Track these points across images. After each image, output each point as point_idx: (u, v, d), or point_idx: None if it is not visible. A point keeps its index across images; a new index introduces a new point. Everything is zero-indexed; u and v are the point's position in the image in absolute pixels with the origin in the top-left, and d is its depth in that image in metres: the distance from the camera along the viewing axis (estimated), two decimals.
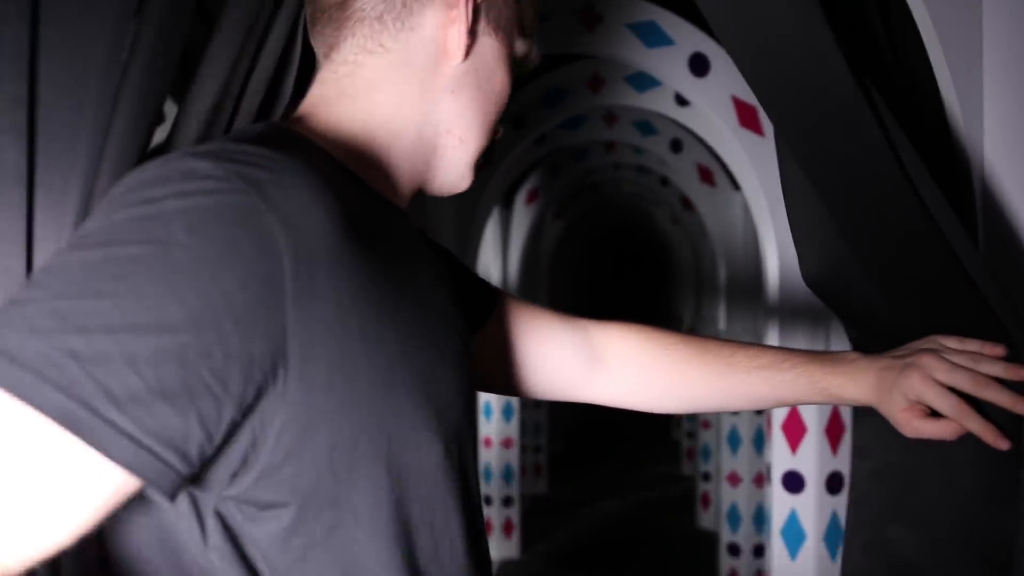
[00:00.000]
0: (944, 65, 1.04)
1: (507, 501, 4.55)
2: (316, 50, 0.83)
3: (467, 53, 0.80)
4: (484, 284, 1.04)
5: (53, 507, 0.54)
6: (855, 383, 0.94)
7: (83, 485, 0.54)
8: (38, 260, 0.71)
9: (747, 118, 2.34)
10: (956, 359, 0.89)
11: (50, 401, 0.53)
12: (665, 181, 4.80)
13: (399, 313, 0.69)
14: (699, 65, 2.38)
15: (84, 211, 0.72)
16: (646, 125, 3.82)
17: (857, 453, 1.20)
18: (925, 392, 0.87)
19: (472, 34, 0.80)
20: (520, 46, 0.86)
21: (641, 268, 9.95)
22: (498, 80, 0.84)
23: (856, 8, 1.09)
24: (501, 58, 0.83)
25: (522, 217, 4.85)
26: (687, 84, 2.39)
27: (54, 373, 0.53)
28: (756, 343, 1.06)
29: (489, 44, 0.82)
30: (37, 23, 0.71)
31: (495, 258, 4.77)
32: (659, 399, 1.07)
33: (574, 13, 2.42)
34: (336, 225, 0.63)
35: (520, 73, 0.90)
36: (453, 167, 0.84)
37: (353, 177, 0.75)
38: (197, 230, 0.56)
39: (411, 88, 0.80)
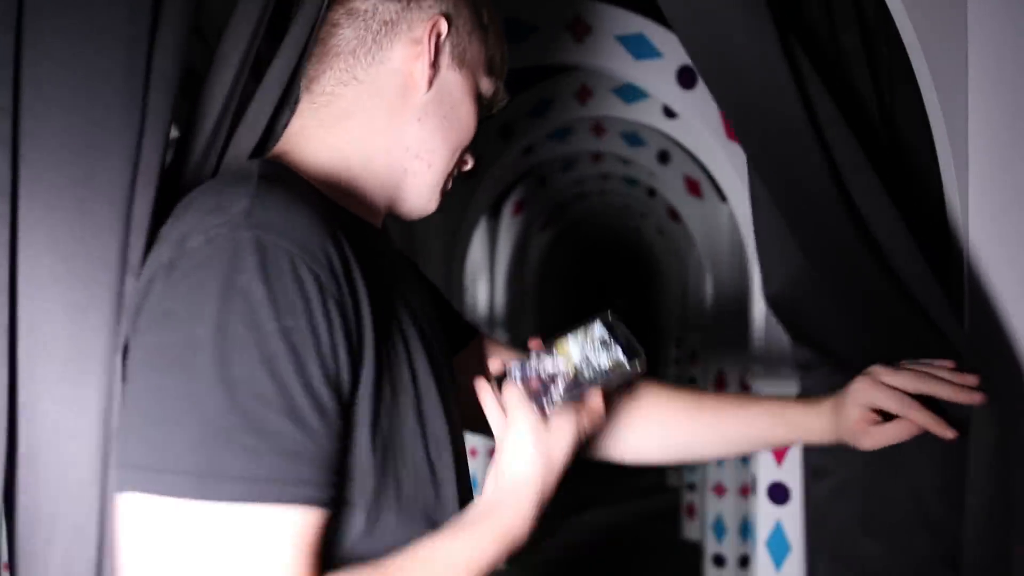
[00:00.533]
0: (932, 90, 1.05)
1: None
2: (303, 81, 0.89)
3: (430, 84, 0.87)
4: (461, 318, 1.10)
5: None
6: (817, 414, 0.99)
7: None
8: (21, 271, 0.70)
9: (734, 130, 2.35)
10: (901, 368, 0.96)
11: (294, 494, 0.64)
12: (652, 192, 4.81)
13: (393, 332, 0.77)
14: (687, 77, 2.39)
15: (74, 224, 0.71)
16: (634, 136, 3.83)
17: (812, 473, 1.22)
18: (874, 395, 0.93)
19: (435, 67, 0.87)
20: (486, 84, 0.93)
21: (628, 279, 9.98)
22: (463, 111, 0.91)
23: (835, 43, 1.11)
24: (466, 92, 0.91)
25: (509, 228, 4.85)
26: (675, 96, 2.40)
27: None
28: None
29: (453, 78, 0.90)
30: (21, 32, 0.71)
31: (482, 268, 4.77)
32: (625, 449, 1.08)
33: (563, 25, 2.43)
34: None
35: (485, 113, 0.97)
36: (422, 189, 0.91)
37: (336, 206, 0.82)
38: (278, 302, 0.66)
39: (380, 115, 0.87)
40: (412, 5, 0.87)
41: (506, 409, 0.83)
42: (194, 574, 0.62)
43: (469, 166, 0.96)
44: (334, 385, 0.67)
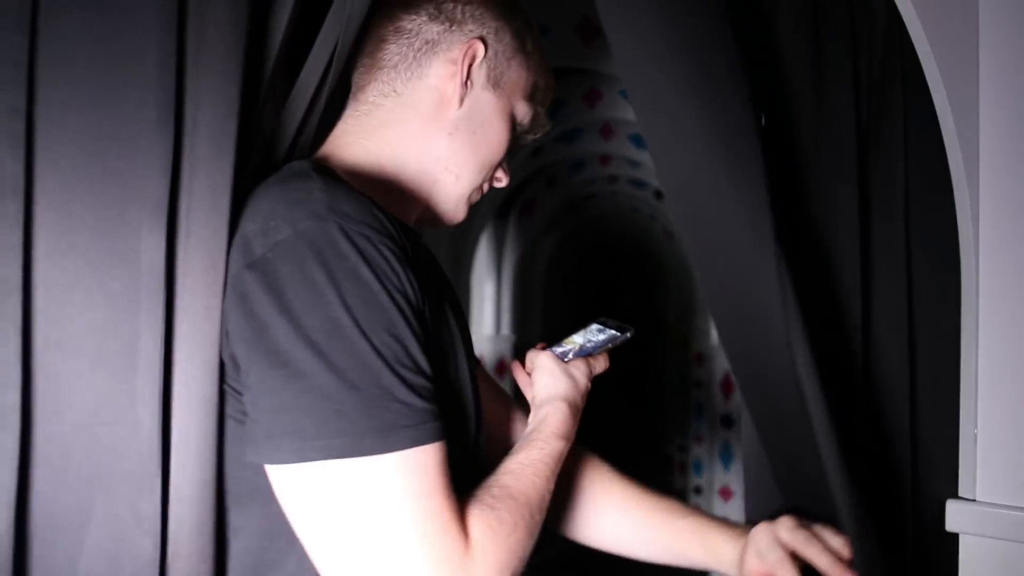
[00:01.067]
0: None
1: None
2: (352, 89, 0.97)
3: (461, 102, 0.94)
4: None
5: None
6: (732, 546, 1.05)
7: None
8: (37, 270, 0.70)
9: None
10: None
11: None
12: (660, 194, 4.80)
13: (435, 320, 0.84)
14: None
15: (89, 221, 0.71)
16: (642, 139, 3.83)
17: None
18: (765, 545, 1.00)
19: (468, 86, 0.94)
20: (522, 108, 1.00)
21: (635, 280, 9.95)
22: (493, 129, 0.97)
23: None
24: (498, 112, 0.97)
25: (517, 229, 4.85)
26: None
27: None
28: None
29: (486, 98, 0.96)
30: (36, 33, 0.71)
31: (489, 271, 4.77)
32: (558, 521, 1.15)
33: (572, 28, 2.43)
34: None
35: (524, 137, 1.03)
36: (449, 199, 0.98)
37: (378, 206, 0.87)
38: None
39: (414, 127, 0.94)
40: (454, 28, 0.94)
41: (531, 362, 1.07)
42: (390, 518, 0.70)
43: (503, 183, 1.04)
44: (425, 336, 0.78)
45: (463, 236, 3.18)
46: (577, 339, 1.10)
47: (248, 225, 0.76)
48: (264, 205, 0.77)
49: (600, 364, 1.10)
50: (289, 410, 0.70)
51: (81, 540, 0.71)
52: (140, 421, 0.71)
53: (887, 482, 1.11)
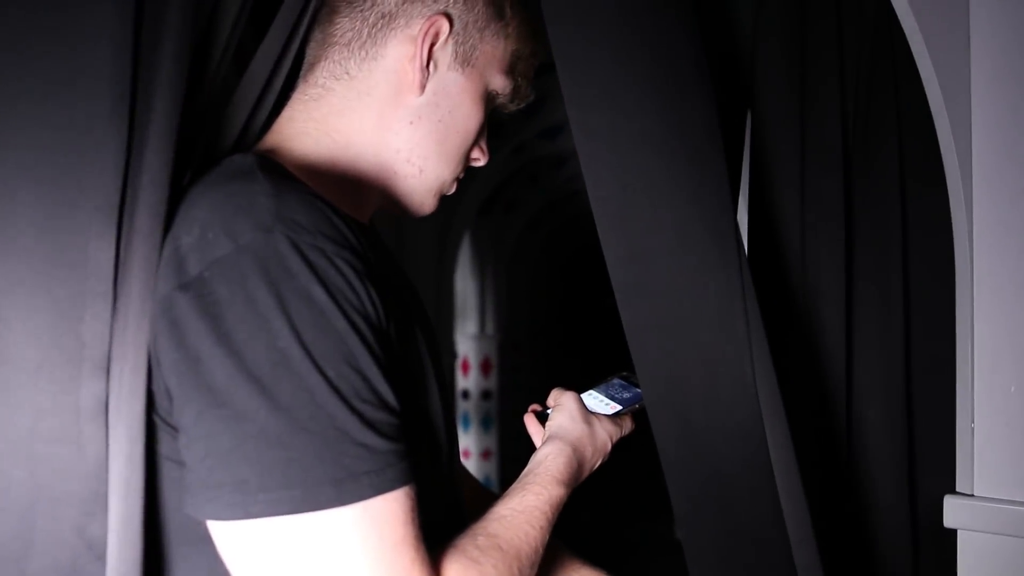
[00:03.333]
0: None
1: None
2: (303, 65, 0.84)
3: (422, 88, 0.81)
4: None
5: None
6: None
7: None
8: None
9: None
10: None
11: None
12: None
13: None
14: None
15: (37, 220, 0.65)
16: None
17: None
18: None
19: (430, 69, 0.81)
20: (499, 82, 0.86)
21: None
22: (463, 114, 0.84)
23: None
24: (468, 93, 0.84)
25: (500, 227, 4.82)
26: None
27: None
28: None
29: (454, 79, 0.83)
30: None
31: (473, 270, 4.74)
32: None
33: None
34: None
35: (502, 110, 0.90)
36: (411, 193, 0.86)
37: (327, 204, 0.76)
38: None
39: (370, 115, 0.82)
40: (414, 3, 0.80)
41: (555, 398, 0.98)
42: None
43: (480, 163, 0.91)
44: (389, 361, 0.67)
45: (446, 235, 3.14)
46: (600, 394, 1.01)
47: (183, 237, 0.65)
48: (202, 213, 0.65)
49: (627, 426, 0.98)
50: (229, 458, 0.60)
51: (23, 571, 0.64)
52: (85, 438, 0.64)
53: (884, 478, 1.08)
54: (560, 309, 7.98)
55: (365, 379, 0.63)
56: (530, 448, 0.98)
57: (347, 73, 0.81)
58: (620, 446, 0.98)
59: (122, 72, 0.66)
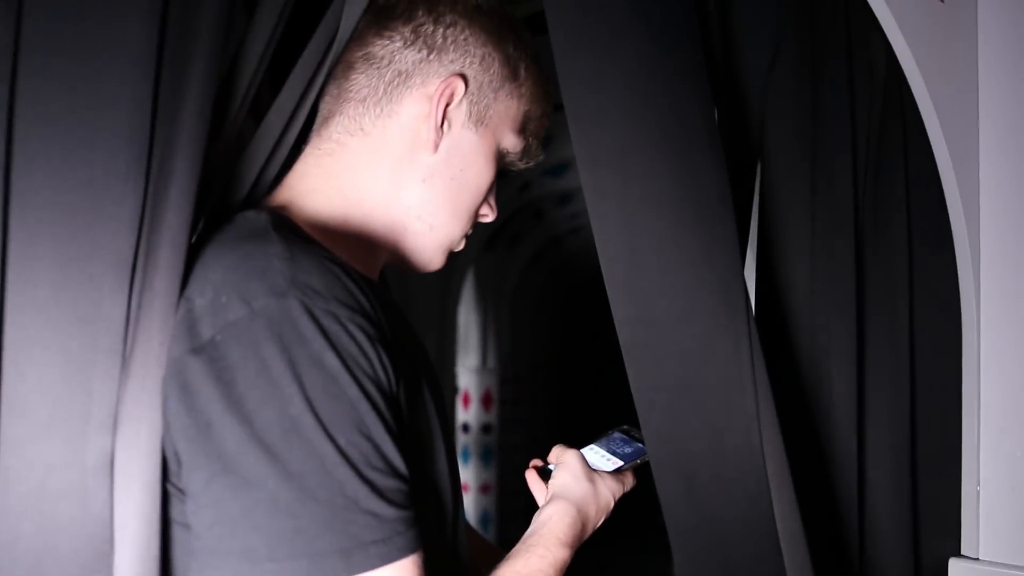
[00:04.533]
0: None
1: None
2: (316, 119, 0.84)
3: (436, 147, 0.81)
4: None
5: None
6: None
7: None
8: (11, 257, 0.63)
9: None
10: None
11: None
12: None
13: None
14: None
15: (52, 276, 0.65)
16: None
17: None
18: None
19: (444, 128, 0.82)
20: (511, 141, 0.87)
21: None
22: (474, 172, 0.84)
23: None
24: (481, 152, 0.84)
25: (504, 262, 4.83)
26: None
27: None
28: None
29: (468, 138, 0.83)
30: (16, 78, 0.66)
31: (477, 303, 4.74)
32: None
33: None
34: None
35: (510, 168, 0.91)
36: (422, 251, 0.86)
37: (339, 260, 0.74)
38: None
39: (383, 172, 0.82)
40: (432, 57, 0.81)
41: (557, 456, 0.97)
42: None
43: (489, 219, 0.91)
44: (399, 426, 0.67)
45: (450, 269, 3.15)
46: (602, 449, 1.00)
47: (196, 299, 0.65)
48: (215, 275, 0.66)
49: (629, 482, 0.98)
50: (237, 526, 0.60)
51: None
52: (90, 495, 0.63)
53: (889, 540, 1.08)
54: (562, 343, 7.97)
55: (375, 446, 0.63)
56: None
57: (361, 129, 0.82)
58: (621, 499, 0.97)
59: (140, 130, 0.67)
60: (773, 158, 1.03)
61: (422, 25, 0.81)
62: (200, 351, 0.63)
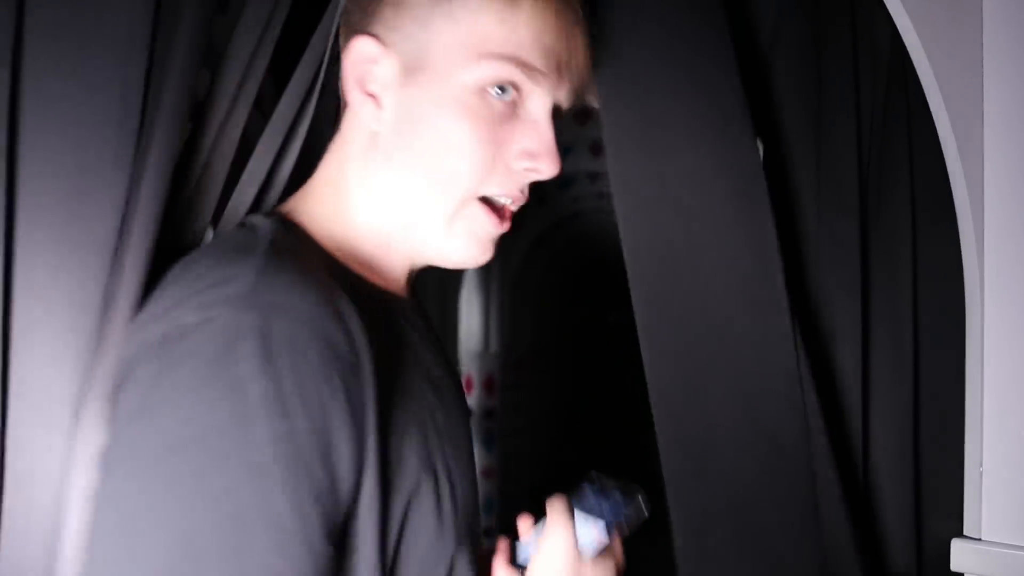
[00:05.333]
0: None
1: (487, 533, 4.48)
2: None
3: (379, 120, 0.71)
4: None
5: None
6: None
7: None
8: (18, 249, 0.64)
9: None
10: None
11: None
12: None
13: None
14: None
15: (58, 267, 0.66)
16: None
17: None
18: None
19: (376, 97, 0.71)
20: (486, 72, 0.70)
21: (623, 296, 9.95)
22: (435, 129, 0.71)
23: None
24: (433, 102, 0.71)
25: (506, 245, 4.82)
26: None
27: None
28: None
29: (411, 95, 0.71)
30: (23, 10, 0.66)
31: (478, 287, 4.73)
32: None
33: None
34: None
35: (558, 113, 0.77)
36: (434, 240, 0.77)
37: (349, 275, 0.72)
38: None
39: (355, 170, 0.74)
40: (346, 27, 0.73)
41: (532, 541, 0.84)
42: None
43: (541, 171, 0.76)
44: (330, 504, 0.57)
45: None
46: (581, 512, 0.85)
47: (159, 299, 0.62)
48: (185, 276, 0.62)
49: (618, 551, 0.87)
50: (90, 532, 0.56)
51: None
52: (75, 482, 0.62)
53: (891, 520, 1.08)
54: (565, 327, 7.97)
55: (265, 502, 0.55)
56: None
57: (340, 134, 0.77)
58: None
59: (131, 116, 0.67)
60: (776, 135, 1.02)
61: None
62: (148, 345, 0.59)
